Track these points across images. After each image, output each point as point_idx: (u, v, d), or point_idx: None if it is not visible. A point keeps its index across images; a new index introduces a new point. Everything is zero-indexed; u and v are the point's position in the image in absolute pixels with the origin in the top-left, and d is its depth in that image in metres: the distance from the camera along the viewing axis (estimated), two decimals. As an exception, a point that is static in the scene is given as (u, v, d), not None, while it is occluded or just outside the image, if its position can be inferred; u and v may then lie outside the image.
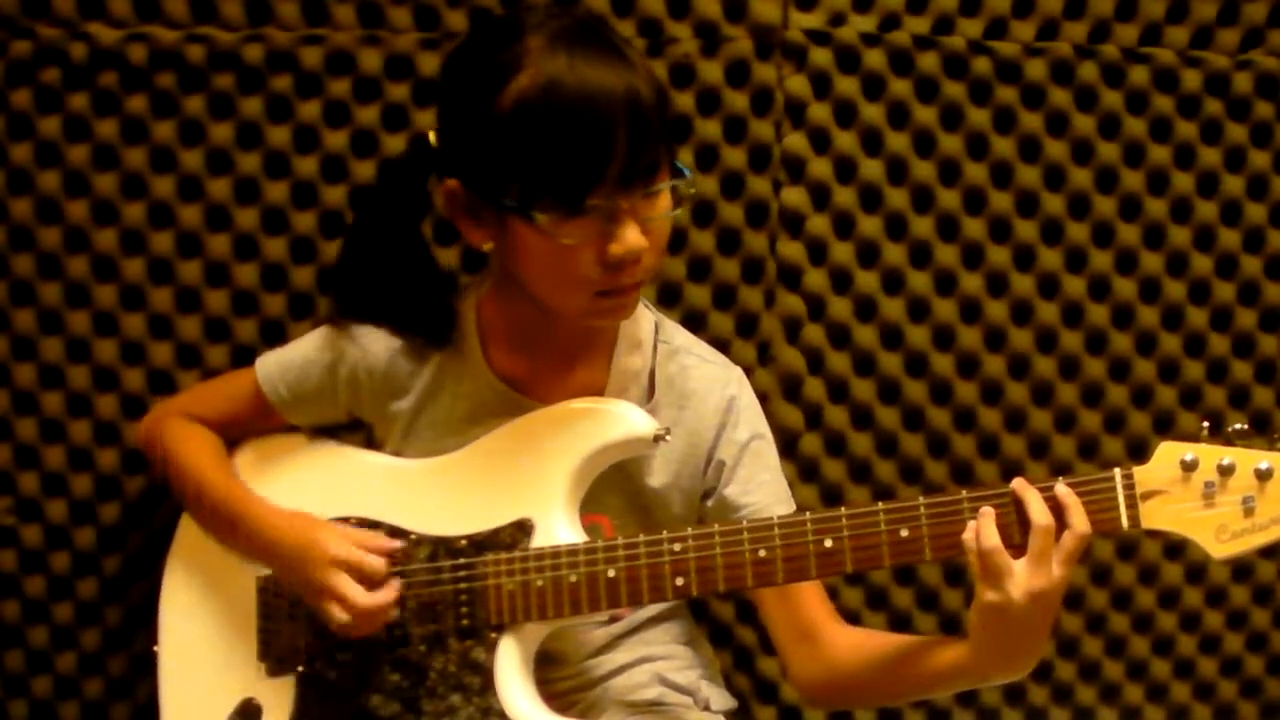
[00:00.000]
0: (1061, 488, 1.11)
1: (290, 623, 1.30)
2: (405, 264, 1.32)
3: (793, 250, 1.58)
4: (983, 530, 1.11)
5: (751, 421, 1.34)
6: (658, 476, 1.32)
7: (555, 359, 1.32)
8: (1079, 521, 1.10)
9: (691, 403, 1.33)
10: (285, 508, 1.30)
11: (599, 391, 1.31)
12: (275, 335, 1.54)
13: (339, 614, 1.22)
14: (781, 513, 1.27)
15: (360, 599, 1.21)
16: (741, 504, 1.31)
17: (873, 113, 1.57)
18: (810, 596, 1.31)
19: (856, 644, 1.29)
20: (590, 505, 1.28)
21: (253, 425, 1.39)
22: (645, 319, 1.35)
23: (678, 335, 1.37)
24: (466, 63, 1.19)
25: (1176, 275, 1.63)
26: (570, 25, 1.16)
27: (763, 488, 1.32)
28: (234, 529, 1.31)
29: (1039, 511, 1.10)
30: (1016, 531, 1.12)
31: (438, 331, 1.32)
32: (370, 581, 1.22)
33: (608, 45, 1.15)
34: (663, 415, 1.30)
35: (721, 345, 1.51)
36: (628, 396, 1.31)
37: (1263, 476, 1.07)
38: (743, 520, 1.22)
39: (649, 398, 1.32)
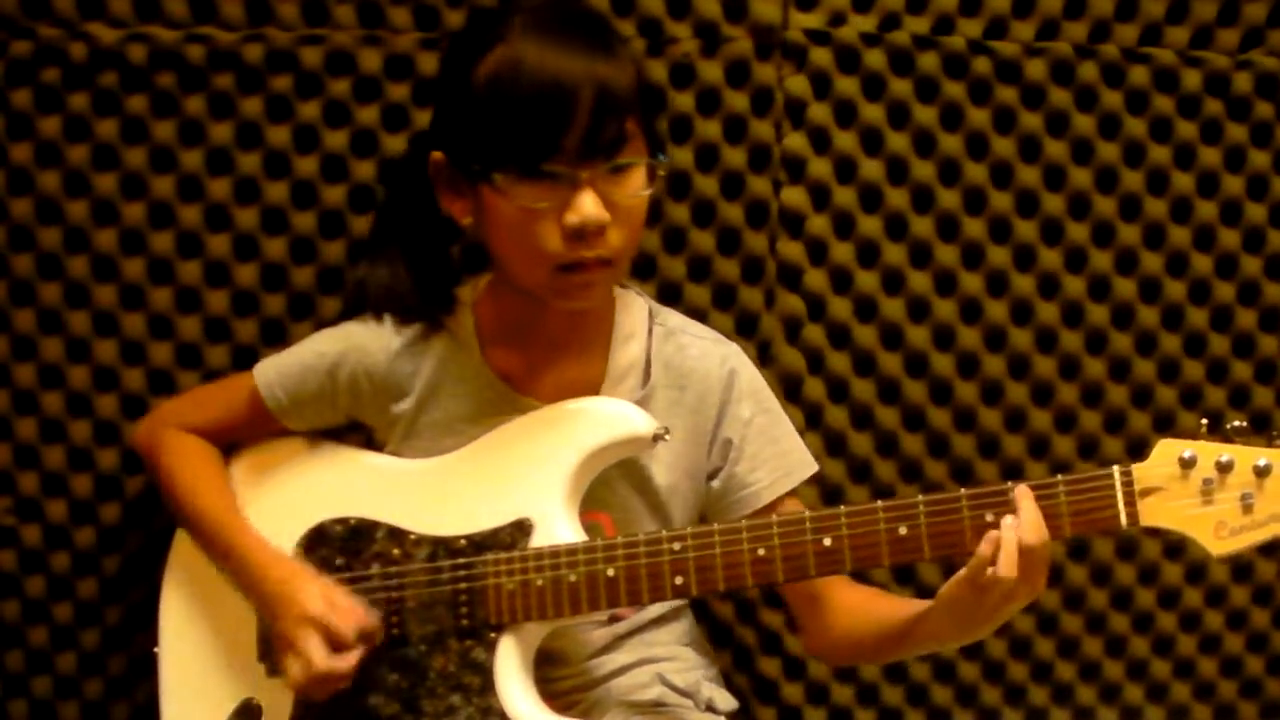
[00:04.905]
0: (1022, 490, 1.13)
1: (290, 622, 1.30)
2: (426, 236, 1.35)
3: (793, 250, 1.58)
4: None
5: (755, 396, 1.36)
6: (663, 468, 1.33)
7: (549, 352, 1.32)
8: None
9: (691, 381, 1.34)
10: (277, 552, 1.29)
11: (596, 385, 1.32)
12: (275, 335, 1.54)
13: (295, 670, 1.22)
14: (797, 478, 1.36)
15: (319, 661, 1.21)
16: (750, 481, 1.34)
17: (873, 113, 1.56)
18: None
19: (860, 605, 1.33)
20: (590, 504, 1.28)
21: (250, 431, 1.39)
22: (639, 307, 1.36)
23: (672, 318, 1.39)
24: (456, 43, 1.26)
25: (1176, 275, 1.63)
26: (553, 10, 1.21)
27: (769, 462, 1.35)
28: (225, 558, 1.32)
29: (1032, 527, 1.11)
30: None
31: (441, 305, 1.34)
32: (336, 644, 1.22)
33: (586, 29, 1.20)
34: (661, 396, 1.32)
35: (721, 345, 1.50)
36: (625, 384, 1.32)
37: (1261, 473, 1.08)
38: (751, 496, 1.30)
39: (645, 381, 1.33)
